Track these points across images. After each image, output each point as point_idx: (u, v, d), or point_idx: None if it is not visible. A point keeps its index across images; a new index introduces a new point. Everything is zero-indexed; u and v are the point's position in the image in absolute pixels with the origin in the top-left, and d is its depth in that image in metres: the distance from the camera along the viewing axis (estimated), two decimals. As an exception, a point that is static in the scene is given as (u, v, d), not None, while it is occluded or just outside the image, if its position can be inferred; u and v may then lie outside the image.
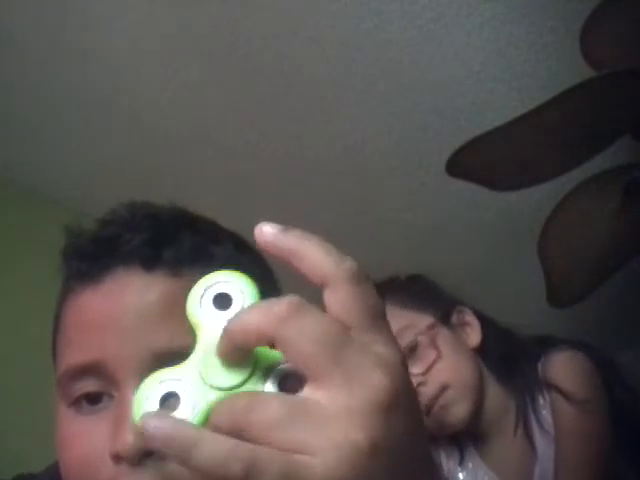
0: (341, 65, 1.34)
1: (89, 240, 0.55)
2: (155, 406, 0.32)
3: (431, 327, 0.98)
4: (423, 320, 0.99)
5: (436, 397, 0.95)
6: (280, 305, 0.30)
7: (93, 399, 0.49)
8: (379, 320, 0.32)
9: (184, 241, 0.53)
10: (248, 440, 0.29)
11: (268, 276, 0.60)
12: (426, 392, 0.95)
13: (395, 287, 1.06)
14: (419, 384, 0.94)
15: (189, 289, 0.51)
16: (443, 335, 0.98)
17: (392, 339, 0.32)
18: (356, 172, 1.60)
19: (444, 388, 0.96)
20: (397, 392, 0.30)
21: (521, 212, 1.67)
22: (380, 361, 0.30)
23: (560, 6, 1.19)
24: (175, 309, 0.49)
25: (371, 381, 0.30)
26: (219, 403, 0.31)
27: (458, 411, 0.96)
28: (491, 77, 1.34)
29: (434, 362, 0.96)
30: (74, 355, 0.51)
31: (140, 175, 1.61)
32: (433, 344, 0.97)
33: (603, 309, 1.91)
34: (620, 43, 1.05)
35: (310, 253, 0.33)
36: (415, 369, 0.94)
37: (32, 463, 0.64)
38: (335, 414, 0.29)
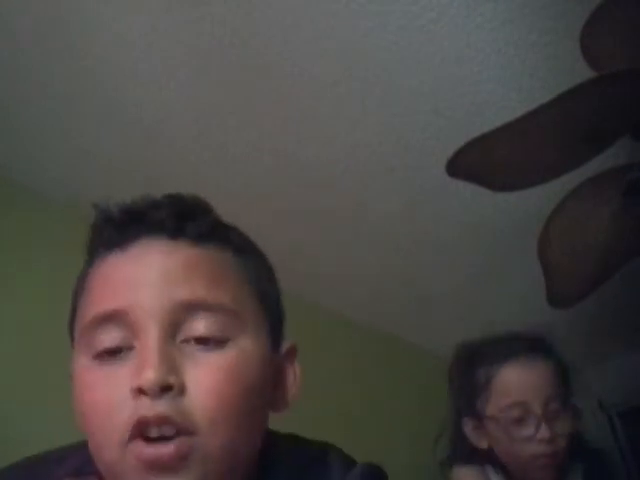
0: (341, 65, 1.34)
1: (119, 211, 0.59)
2: None
3: None
4: None
5: None
6: None
7: (114, 353, 0.53)
8: None
9: (204, 220, 0.59)
10: None
11: (269, 273, 0.64)
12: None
13: None
14: None
15: (210, 258, 0.57)
16: None
17: None
18: (356, 172, 1.60)
19: None
20: None
21: (521, 212, 1.67)
22: None
23: (560, 6, 1.19)
24: (197, 269, 0.55)
25: None
26: None
27: None
28: (491, 77, 1.34)
29: None
30: (99, 306, 0.55)
31: (140, 175, 1.61)
32: None
33: (603, 309, 1.91)
34: (620, 43, 1.05)
35: None
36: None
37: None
38: None
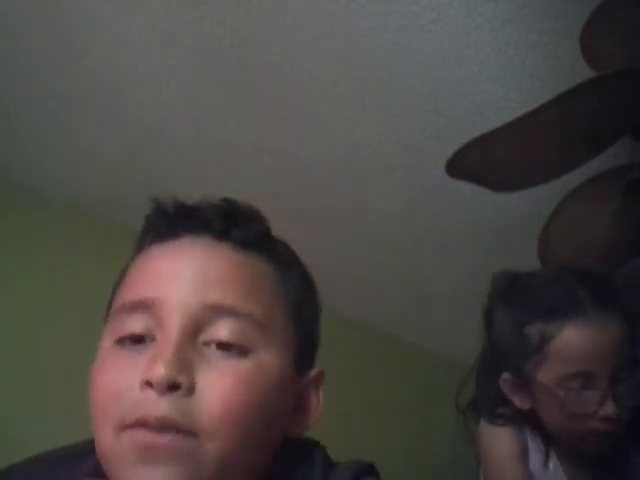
0: (341, 65, 1.34)
1: (173, 205, 0.60)
2: None
3: None
4: None
5: None
6: None
7: (137, 340, 0.53)
8: None
9: (252, 227, 0.59)
10: None
11: (310, 293, 0.65)
12: None
13: None
14: None
15: (250, 266, 0.57)
16: None
17: None
18: (356, 172, 1.60)
19: None
20: None
21: (521, 212, 1.67)
22: None
23: (560, 6, 1.19)
24: (233, 274, 0.55)
25: None
26: None
27: None
28: (491, 77, 1.34)
29: None
30: (131, 293, 0.56)
31: (140, 175, 1.61)
32: None
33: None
34: (620, 43, 1.05)
35: None
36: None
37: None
38: None
